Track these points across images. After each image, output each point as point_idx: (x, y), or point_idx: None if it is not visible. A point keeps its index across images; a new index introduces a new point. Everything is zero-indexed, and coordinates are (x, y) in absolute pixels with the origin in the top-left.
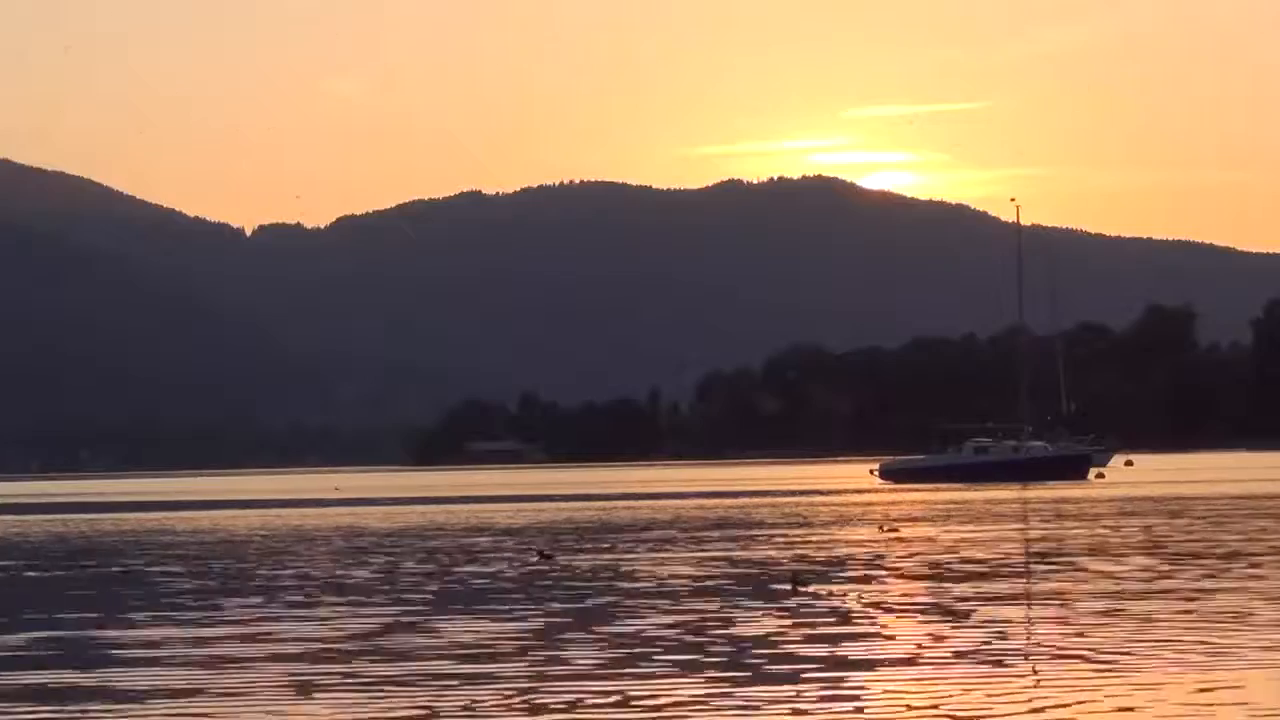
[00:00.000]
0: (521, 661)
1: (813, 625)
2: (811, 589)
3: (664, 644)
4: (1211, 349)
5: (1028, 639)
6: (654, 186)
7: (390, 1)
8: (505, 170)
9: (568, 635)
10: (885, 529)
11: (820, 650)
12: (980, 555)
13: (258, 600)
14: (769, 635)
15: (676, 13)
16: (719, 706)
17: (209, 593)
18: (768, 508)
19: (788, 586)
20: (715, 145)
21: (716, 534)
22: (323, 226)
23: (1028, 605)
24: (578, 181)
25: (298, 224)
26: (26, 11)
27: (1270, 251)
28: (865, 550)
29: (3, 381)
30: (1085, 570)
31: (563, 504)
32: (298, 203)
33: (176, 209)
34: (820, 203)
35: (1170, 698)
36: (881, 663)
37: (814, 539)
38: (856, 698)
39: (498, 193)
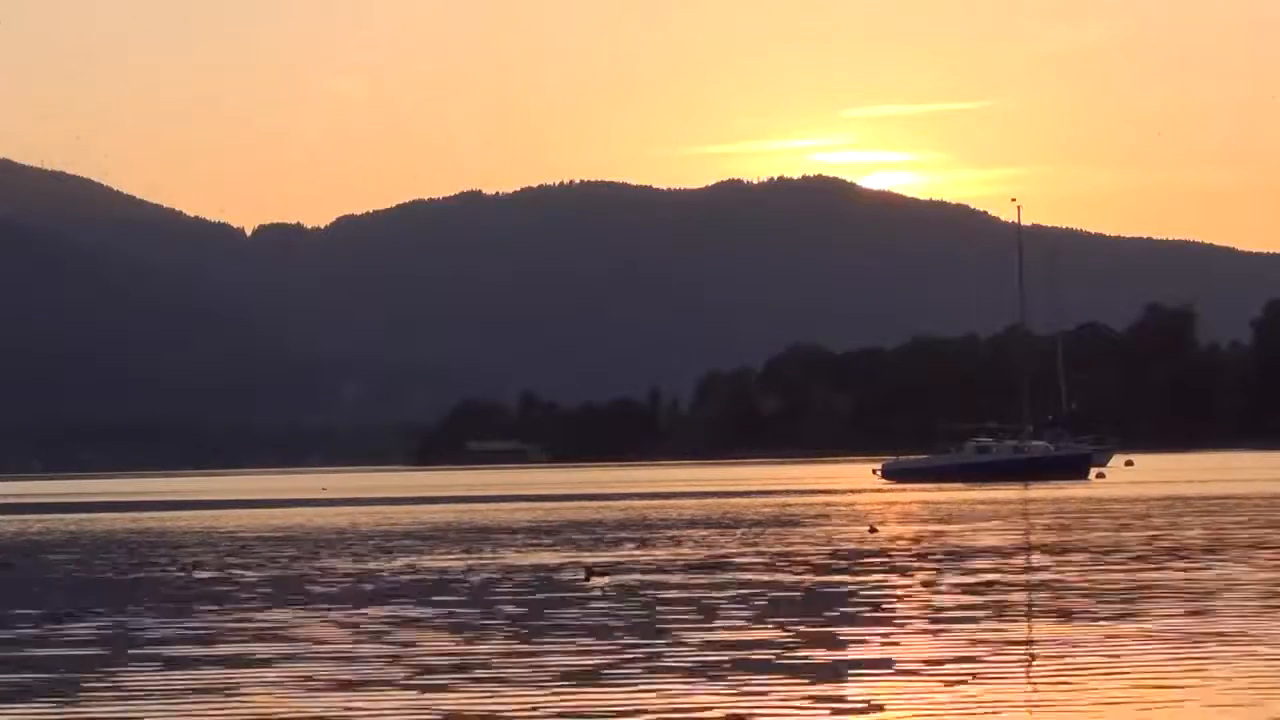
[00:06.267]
0: None
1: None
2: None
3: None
4: (1211, 349)
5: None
6: (654, 186)
7: (390, 1)
8: (505, 170)
9: None
10: (871, 529)
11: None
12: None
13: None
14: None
15: (676, 13)
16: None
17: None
18: (760, 507)
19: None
20: (715, 145)
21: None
22: (323, 226)
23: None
24: (578, 181)
25: (298, 224)
26: (27, 12)
27: (1270, 251)
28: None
29: (3, 381)
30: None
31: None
32: (298, 202)
33: (176, 209)
34: (820, 203)
35: None
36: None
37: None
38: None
39: (498, 193)
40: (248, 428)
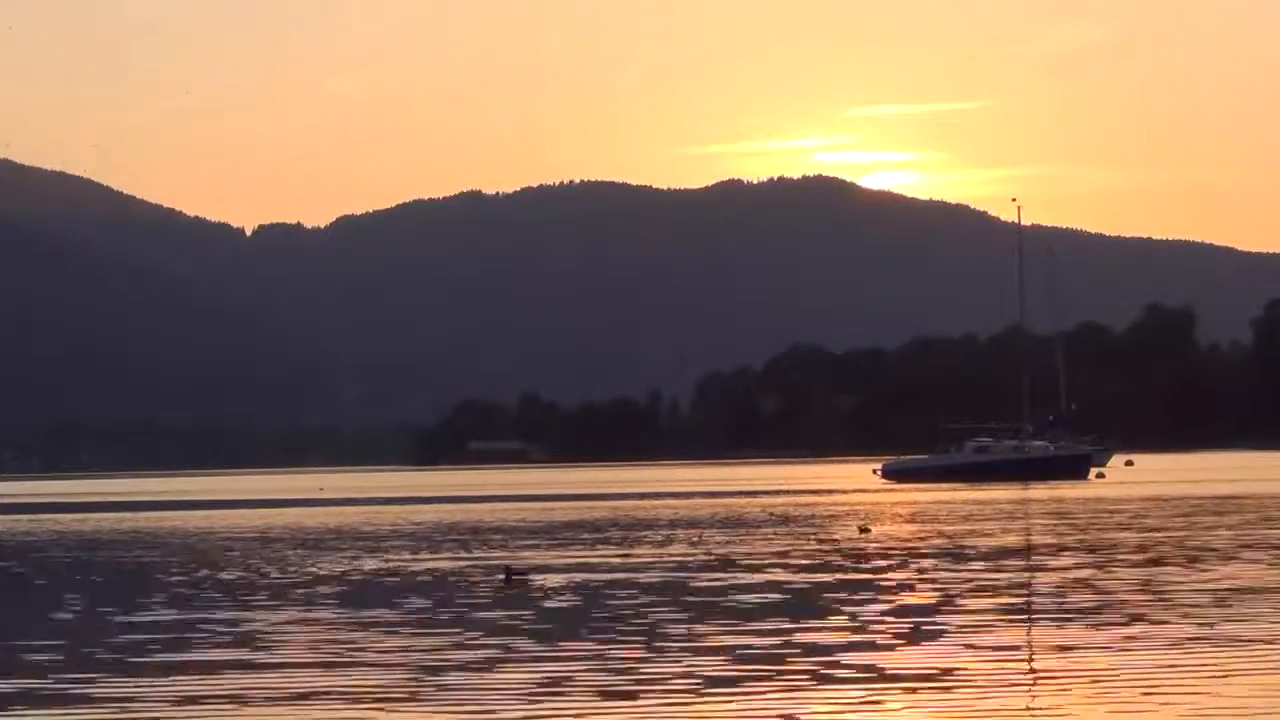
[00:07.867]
0: None
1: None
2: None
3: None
4: (1211, 349)
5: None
6: (654, 186)
7: (390, 1)
8: (505, 170)
9: None
10: (861, 530)
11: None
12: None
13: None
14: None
15: (677, 12)
16: None
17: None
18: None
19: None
20: (715, 145)
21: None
22: (323, 226)
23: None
24: (578, 181)
25: (298, 224)
26: (27, 11)
27: (1270, 251)
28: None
29: (3, 381)
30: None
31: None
32: (298, 202)
33: (176, 209)
34: (820, 203)
35: None
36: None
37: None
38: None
39: (498, 193)
40: (248, 428)
